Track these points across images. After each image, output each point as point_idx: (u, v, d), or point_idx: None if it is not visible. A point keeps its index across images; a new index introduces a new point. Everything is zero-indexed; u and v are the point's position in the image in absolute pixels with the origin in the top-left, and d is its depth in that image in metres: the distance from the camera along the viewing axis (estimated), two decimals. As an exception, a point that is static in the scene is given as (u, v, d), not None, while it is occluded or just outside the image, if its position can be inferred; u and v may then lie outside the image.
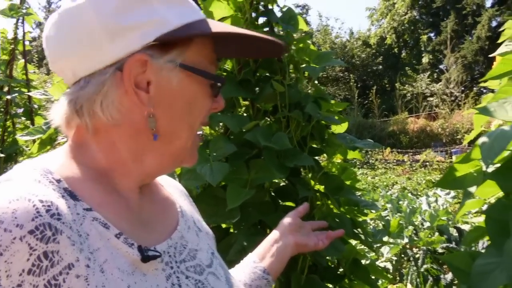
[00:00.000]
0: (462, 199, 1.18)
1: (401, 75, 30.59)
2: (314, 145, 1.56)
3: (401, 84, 28.17)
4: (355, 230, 1.57)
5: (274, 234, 1.01)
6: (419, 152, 18.06)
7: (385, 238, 2.84)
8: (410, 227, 3.14)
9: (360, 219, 1.74)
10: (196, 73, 0.65)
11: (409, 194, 4.70)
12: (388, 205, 3.90)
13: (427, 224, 3.20)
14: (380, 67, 34.31)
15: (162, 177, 0.81)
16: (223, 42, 0.70)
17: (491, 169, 1.08)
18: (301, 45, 1.51)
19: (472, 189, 1.14)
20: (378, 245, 2.82)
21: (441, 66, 32.34)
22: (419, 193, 6.37)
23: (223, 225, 1.46)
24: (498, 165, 1.07)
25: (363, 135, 21.53)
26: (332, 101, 1.50)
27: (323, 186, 1.48)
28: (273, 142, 1.28)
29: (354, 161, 16.74)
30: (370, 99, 25.26)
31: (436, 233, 3.06)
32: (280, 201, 1.49)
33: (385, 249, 2.87)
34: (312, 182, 1.49)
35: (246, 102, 1.52)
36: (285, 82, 1.38)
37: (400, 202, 3.91)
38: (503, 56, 1.22)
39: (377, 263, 2.86)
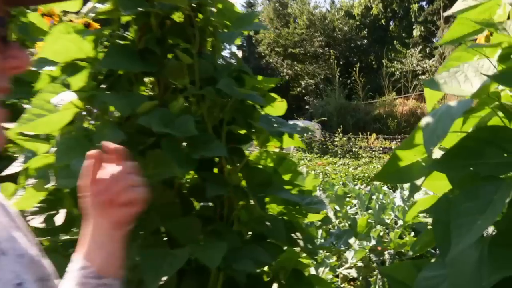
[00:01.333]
0: (409, 194, 1.09)
1: (389, 50, 30.76)
2: (245, 131, 1.46)
3: (388, 60, 28.34)
4: (292, 235, 1.48)
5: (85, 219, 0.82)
6: (409, 138, 18.24)
7: (352, 240, 2.77)
8: (379, 227, 3.07)
9: (306, 221, 1.66)
10: None
11: (384, 187, 4.64)
12: (355, 201, 3.83)
13: (401, 222, 3.15)
14: (365, 41, 34.45)
15: None
16: None
17: (437, 156, 0.99)
18: (219, 5, 1.39)
19: (419, 181, 1.06)
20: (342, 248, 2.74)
21: (434, 40, 32.71)
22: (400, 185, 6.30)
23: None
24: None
25: (346, 119, 21.62)
26: (259, 77, 1.39)
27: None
28: (176, 127, 1.15)
29: (335, 150, 16.87)
30: (353, 78, 25.35)
31: (412, 233, 3.01)
32: (196, 202, 1.39)
33: (349, 254, 2.79)
34: (237, 177, 1.39)
35: (152, 78, 1.39)
36: (194, 52, 1.26)
37: (374, 197, 3.85)
38: (459, 15, 1.12)
39: (340, 270, 2.79)
